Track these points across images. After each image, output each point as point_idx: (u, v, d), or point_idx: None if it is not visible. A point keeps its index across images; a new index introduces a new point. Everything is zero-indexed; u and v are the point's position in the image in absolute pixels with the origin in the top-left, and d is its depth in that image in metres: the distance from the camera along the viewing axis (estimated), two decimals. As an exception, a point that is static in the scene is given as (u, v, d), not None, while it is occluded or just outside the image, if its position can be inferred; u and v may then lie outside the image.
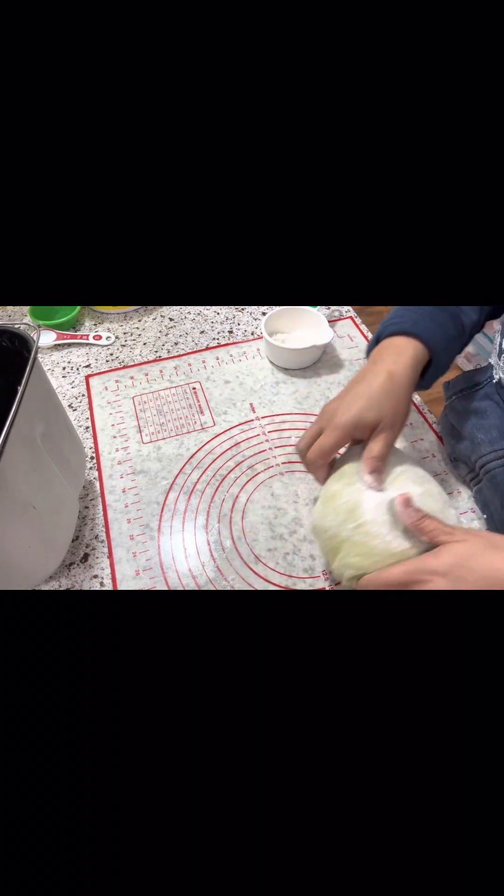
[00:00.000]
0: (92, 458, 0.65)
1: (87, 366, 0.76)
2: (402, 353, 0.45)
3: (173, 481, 0.62)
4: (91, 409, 0.70)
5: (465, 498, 0.61)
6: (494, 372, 0.55)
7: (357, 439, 0.46)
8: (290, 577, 0.54)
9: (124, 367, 0.76)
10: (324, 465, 0.46)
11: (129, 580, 0.54)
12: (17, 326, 0.46)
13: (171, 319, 0.83)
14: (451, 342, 0.47)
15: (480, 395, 0.57)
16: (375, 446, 0.44)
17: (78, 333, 0.80)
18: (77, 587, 0.54)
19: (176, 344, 0.79)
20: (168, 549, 0.56)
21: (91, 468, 0.63)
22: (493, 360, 0.55)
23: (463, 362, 1.84)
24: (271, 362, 0.76)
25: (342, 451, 0.49)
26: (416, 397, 0.72)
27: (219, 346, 0.78)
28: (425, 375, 0.48)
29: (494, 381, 0.55)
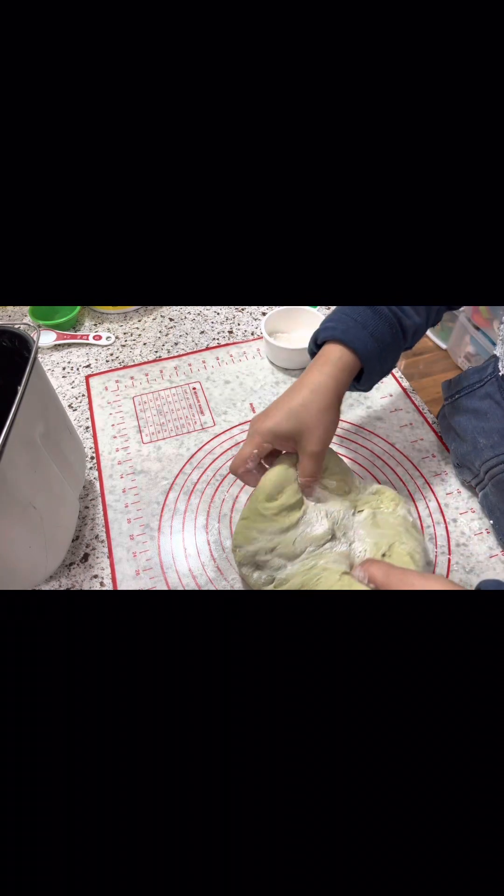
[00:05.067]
0: (92, 458, 0.65)
1: (87, 366, 0.76)
2: (328, 363, 0.46)
3: (173, 481, 0.62)
4: (91, 409, 0.70)
5: (465, 498, 0.61)
6: (500, 365, 0.54)
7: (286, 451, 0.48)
8: (290, 577, 0.54)
9: (124, 367, 0.76)
10: (247, 473, 0.47)
11: (129, 580, 0.54)
12: (17, 326, 0.46)
13: (171, 319, 0.83)
14: (386, 349, 0.47)
15: (481, 395, 0.57)
16: (307, 465, 0.46)
17: (78, 333, 0.80)
18: (77, 587, 0.54)
19: (176, 344, 0.79)
20: (168, 549, 0.56)
21: (91, 468, 0.63)
22: (498, 351, 0.55)
23: (463, 363, 1.84)
24: (271, 362, 0.76)
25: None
26: (417, 398, 0.72)
27: (219, 346, 0.78)
28: (360, 379, 0.48)
29: (501, 373, 0.54)
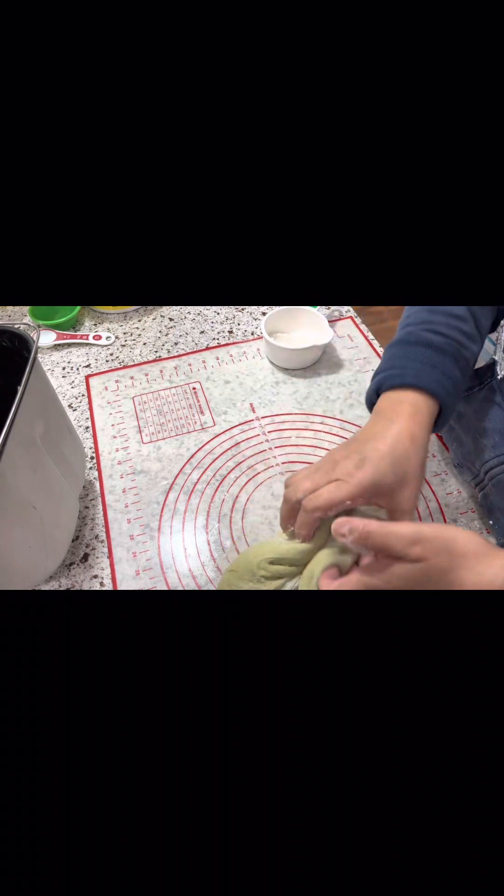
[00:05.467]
0: (92, 458, 0.65)
1: (87, 366, 0.76)
2: (419, 412, 0.41)
3: (173, 481, 0.62)
4: (91, 409, 0.70)
5: (466, 498, 0.61)
6: (499, 367, 0.54)
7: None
8: (290, 577, 0.54)
9: (124, 367, 0.76)
10: (315, 523, 0.39)
11: (129, 580, 0.54)
12: (17, 326, 0.46)
13: (171, 319, 0.83)
14: (459, 386, 0.44)
15: (481, 397, 0.57)
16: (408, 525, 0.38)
17: (78, 333, 0.80)
18: (77, 587, 0.54)
19: (176, 344, 0.79)
20: (168, 549, 0.56)
21: (91, 468, 0.63)
22: (497, 357, 0.55)
23: (463, 362, 1.84)
24: (271, 362, 0.76)
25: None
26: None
27: (219, 346, 0.78)
28: (436, 423, 0.44)
29: (499, 377, 0.54)
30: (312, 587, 0.39)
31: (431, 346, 0.44)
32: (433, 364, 0.43)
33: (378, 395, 0.44)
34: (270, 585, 0.41)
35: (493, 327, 0.54)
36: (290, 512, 0.41)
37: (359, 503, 0.39)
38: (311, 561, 0.40)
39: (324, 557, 0.40)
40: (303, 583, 0.40)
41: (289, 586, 0.41)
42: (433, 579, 0.33)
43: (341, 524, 0.36)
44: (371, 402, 0.45)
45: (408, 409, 0.41)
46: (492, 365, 0.57)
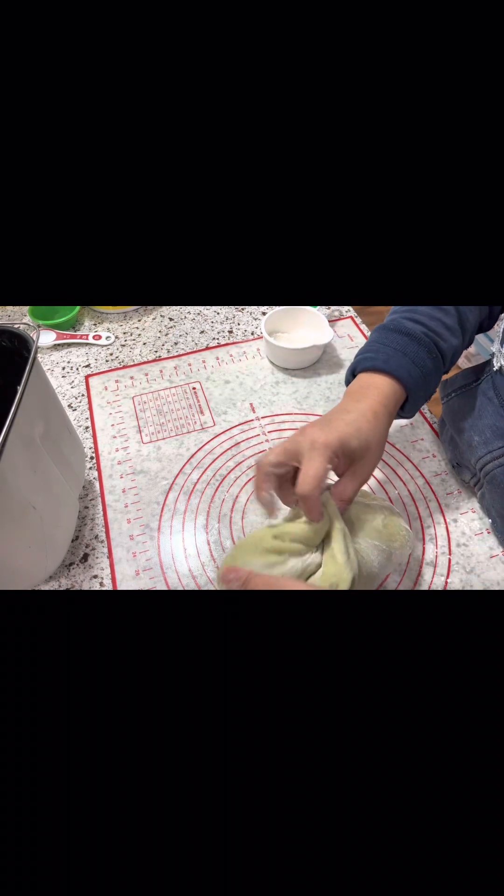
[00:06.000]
0: (92, 458, 0.65)
1: (87, 366, 0.76)
2: (382, 393, 0.44)
3: (173, 481, 0.62)
4: (91, 409, 0.70)
5: (465, 498, 0.61)
6: (496, 360, 0.54)
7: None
8: (290, 577, 0.54)
9: (124, 367, 0.76)
10: (317, 500, 0.40)
11: (128, 580, 0.54)
12: (16, 326, 0.46)
13: (171, 319, 0.83)
14: (429, 376, 0.46)
15: (476, 393, 0.57)
16: (349, 488, 0.43)
17: (78, 333, 0.80)
18: (77, 587, 0.54)
19: (176, 344, 0.79)
20: (168, 549, 0.56)
21: (91, 468, 0.63)
22: (494, 348, 0.55)
23: (463, 362, 1.84)
24: (271, 362, 0.76)
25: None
26: (416, 397, 0.72)
27: (219, 346, 0.78)
28: (405, 408, 0.47)
29: (495, 368, 0.54)
30: (339, 569, 0.41)
31: (408, 335, 0.46)
32: (405, 352, 0.46)
33: (354, 377, 0.48)
34: (276, 559, 0.42)
35: (489, 324, 0.54)
36: (262, 475, 0.43)
37: (333, 464, 0.41)
38: (326, 540, 0.42)
39: (338, 537, 0.42)
40: (327, 565, 0.42)
41: (296, 563, 0.42)
42: None
43: None
44: (348, 383, 0.48)
45: (374, 391, 0.45)
46: (488, 360, 0.57)
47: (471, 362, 1.82)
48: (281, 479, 0.43)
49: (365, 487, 0.60)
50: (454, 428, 0.59)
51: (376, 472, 0.63)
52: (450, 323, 0.48)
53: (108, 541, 0.57)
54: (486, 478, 0.54)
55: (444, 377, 0.63)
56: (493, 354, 0.56)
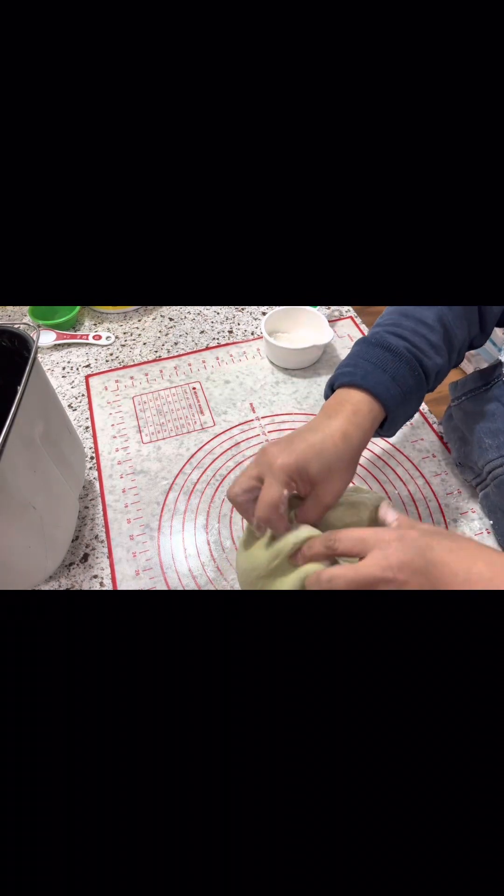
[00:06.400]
0: (92, 458, 0.65)
1: (87, 366, 0.76)
2: (358, 412, 0.42)
3: (173, 481, 0.62)
4: (91, 409, 0.70)
5: (466, 498, 0.61)
6: None
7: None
8: (290, 577, 0.54)
9: (124, 367, 0.76)
10: (281, 519, 0.40)
11: (128, 580, 0.54)
12: (17, 326, 0.46)
13: (171, 319, 0.83)
14: (409, 395, 0.44)
15: (488, 397, 0.57)
16: (311, 513, 0.41)
17: (78, 333, 0.80)
18: (77, 587, 0.54)
19: (176, 344, 0.79)
20: (168, 549, 0.56)
21: (91, 468, 0.63)
22: (503, 357, 0.55)
23: (464, 364, 1.84)
24: (271, 362, 0.76)
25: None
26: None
27: (219, 346, 0.78)
28: (384, 426, 0.45)
29: None
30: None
31: (389, 350, 0.44)
32: (384, 367, 0.43)
33: (333, 391, 0.45)
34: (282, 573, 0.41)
35: (481, 340, 0.51)
36: (240, 508, 0.42)
37: (291, 488, 0.40)
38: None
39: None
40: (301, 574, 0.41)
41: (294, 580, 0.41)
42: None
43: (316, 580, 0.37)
44: (327, 397, 0.46)
45: (349, 408, 0.42)
46: (497, 365, 0.58)
47: (471, 363, 1.81)
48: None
49: (363, 486, 0.60)
50: (465, 428, 0.59)
51: (377, 473, 0.63)
52: (434, 340, 0.45)
53: (108, 541, 0.57)
54: (494, 481, 0.54)
55: (455, 380, 0.63)
56: (501, 363, 0.56)
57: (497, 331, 1.63)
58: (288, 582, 0.41)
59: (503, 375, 0.55)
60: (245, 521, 0.56)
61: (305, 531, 0.41)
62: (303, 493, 0.41)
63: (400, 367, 0.43)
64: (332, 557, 0.39)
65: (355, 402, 0.42)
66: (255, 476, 0.40)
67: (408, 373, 0.43)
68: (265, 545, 0.42)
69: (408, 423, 0.67)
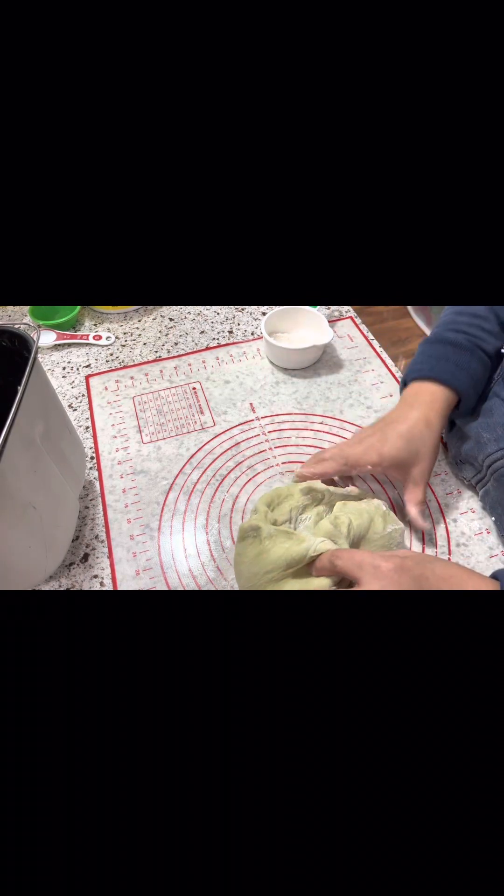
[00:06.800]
0: (92, 458, 0.64)
1: (87, 366, 0.76)
2: (436, 400, 0.51)
3: (173, 481, 0.62)
4: (91, 409, 0.70)
5: (465, 498, 0.61)
6: None
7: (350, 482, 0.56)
8: (290, 577, 0.54)
9: (124, 367, 0.76)
10: (341, 467, 0.51)
11: (129, 580, 0.54)
12: (17, 326, 0.46)
13: (171, 319, 0.83)
14: (478, 380, 0.52)
15: (488, 394, 0.57)
16: (419, 493, 0.51)
17: (78, 333, 0.80)
18: (77, 587, 0.54)
19: (176, 344, 0.79)
20: (168, 549, 0.56)
21: (91, 468, 0.63)
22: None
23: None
24: (271, 362, 0.76)
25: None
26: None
27: (219, 346, 0.78)
28: (459, 407, 0.53)
29: None
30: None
31: (449, 343, 0.53)
32: (447, 358, 0.52)
33: (406, 387, 0.55)
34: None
35: None
36: (326, 464, 0.53)
37: (377, 471, 0.52)
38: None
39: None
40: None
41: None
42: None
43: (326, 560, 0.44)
44: (401, 392, 0.56)
45: (426, 397, 0.51)
46: (500, 363, 0.58)
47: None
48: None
49: (364, 486, 0.60)
50: (463, 425, 0.59)
51: (377, 473, 0.63)
52: (489, 327, 0.54)
53: (109, 541, 0.57)
54: (494, 475, 0.54)
55: None
56: (502, 356, 0.56)
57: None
58: (298, 587, 0.42)
59: (501, 371, 0.56)
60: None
61: (325, 544, 0.43)
62: (397, 478, 0.53)
63: (462, 356, 0.52)
64: (335, 574, 0.41)
65: (431, 392, 0.51)
66: (352, 464, 0.52)
67: (470, 359, 0.52)
68: (282, 548, 0.43)
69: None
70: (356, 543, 0.48)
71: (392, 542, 0.50)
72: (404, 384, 0.55)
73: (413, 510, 0.51)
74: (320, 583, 0.43)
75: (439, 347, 0.53)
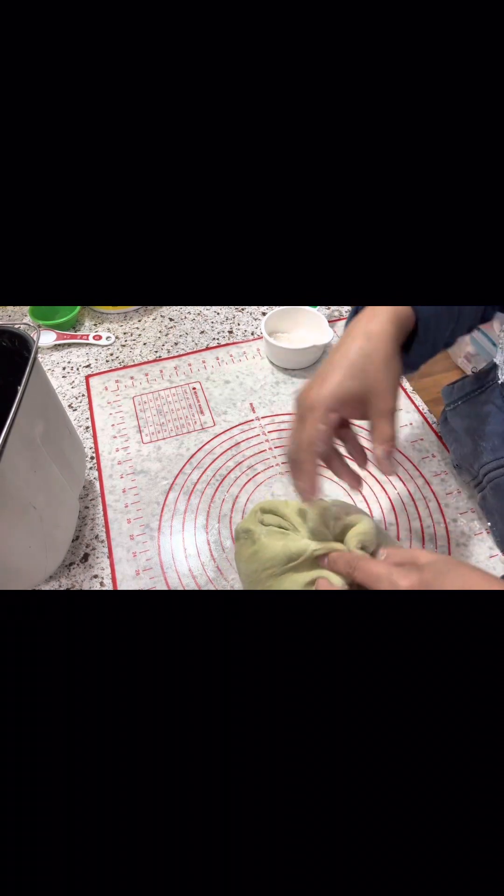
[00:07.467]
0: (92, 458, 0.65)
1: (87, 366, 0.76)
2: (379, 312, 0.38)
3: (173, 481, 0.62)
4: (91, 409, 0.70)
5: (465, 498, 0.61)
6: (500, 372, 0.55)
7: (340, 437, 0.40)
8: (290, 577, 0.54)
9: (124, 367, 0.76)
10: (308, 462, 0.37)
11: (129, 580, 0.54)
12: (17, 326, 0.46)
13: (171, 319, 0.83)
14: (440, 317, 0.40)
15: (482, 400, 0.57)
16: (385, 428, 0.37)
17: (78, 333, 0.80)
18: (77, 587, 0.54)
19: (176, 344, 0.79)
20: (168, 549, 0.56)
21: (91, 468, 0.63)
22: (498, 360, 0.55)
23: (463, 363, 1.84)
24: (271, 362, 0.76)
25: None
26: (417, 398, 0.72)
27: (219, 346, 0.78)
28: (412, 346, 0.40)
29: (500, 381, 0.55)
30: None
31: (432, 305, 0.40)
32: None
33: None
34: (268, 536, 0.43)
35: (490, 313, 0.49)
36: (291, 469, 0.39)
37: (335, 421, 0.37)
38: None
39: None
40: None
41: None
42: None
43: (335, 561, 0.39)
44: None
45: (368, 313, 0.38)
46: (491, 368, 0.58)
47: (471, 363, 1.82)
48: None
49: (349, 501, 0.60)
50: (460, 431, 0.59)
51: (377, 473, 0.63)
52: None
53: (109, 541, 0.57)
54: (490, 484, 0.54)
55: (448, 378, 0.63)
56: (496, 366, 0.56)
57: (494, 331, 1.63)
58: (300, 579, 0.41)
59: (498, 378, 0.55)
60: (242, 518, 0.57)
61: (333, 544, 0.41)
62: (359, 417, 0.39)
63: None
64: (351, 579, 0.39)
65: (374, 310, 0.38)
66: (299, 422, 0.38)
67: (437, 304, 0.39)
68: (279, 545, 0.42)
69: (408, 423, 0.68)
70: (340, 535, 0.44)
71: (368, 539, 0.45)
72: (355, 313, 0.42)
73: (378, 449, 0.38)
74: (336, 580, 0.41)
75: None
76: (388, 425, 0.37)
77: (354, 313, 0.42)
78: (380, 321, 0.37)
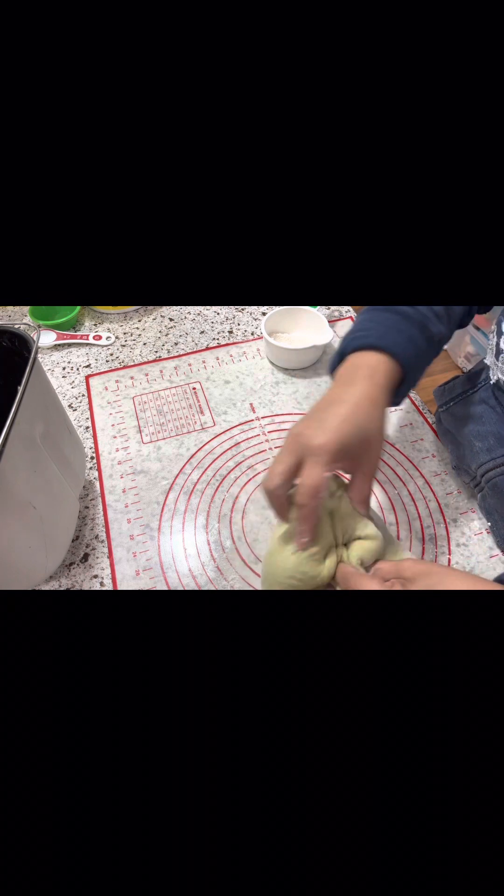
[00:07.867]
0: (92, 458, 0.65)
1: (87, 366, 0.76)
2: (376, 373, 0.40)
3: (173, 481, 0.62)
4: (91, 409, 0.70)
5: (465, 498, 0.61)
6: (492, 373, 0.55)
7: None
8: (290, 577, 0.54)
9: (124, 367, 0.76)
10: (311, 508, 0.37)
11: (129, 580, 0.54)
12: (17, 326, 0.46)
13: (171, 319, 0.83)
14: (421, 357, 0.42)
15: (475, 400, 0.56)
16: (366, 489, 0.40)
17: (78, 333, 0.80)
18: (77, 587, 0.54)
19: (176, 344, 0.79)
20: (168, 549, 0.56)
21: (91, 468, 0.63)
22: (488, 361, 0.55)
23: (463, 363, 1.84)
24: (271, 362, 0.76)
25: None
26: (417, 398, 0.72)
27: (219, 346, 0.78)
28: (397, 393, 0.43)
29: (492, 381, 0.54)
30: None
31: (398, 314, 0.43)
32: (399, 329, 0.42)
33: (342, 361, 0.43)
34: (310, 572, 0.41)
35: (468, 320, 0.51)
36: (278, 502, 0.40)
37: (334, 469, 0.38)
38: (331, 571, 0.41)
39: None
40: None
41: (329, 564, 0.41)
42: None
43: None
44: (334, 368, 0.44)
45: (365, 371, 0.40)
46: (482, 369, 0.58)
47: (470, 362, 1.82)
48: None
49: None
50: (455, 432, 0.59)
51: (377, 473, 0.63)
52: (437, 309, 0.45)
53: (109, 541, 0.57)
54: (488, 484, 0.54)
55: (440, 385, 0.63)
56: (487, 366, 0.56)
57: (489, 322, 1.64)
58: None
59: (490, 378, 0.55)
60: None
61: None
62: (346, 470, 0.40)
63: (412, 329, 0.42)
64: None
65: (372, 365, 0.40)
66: (294, 463, 0.38)
67: (420, 334, 0.42)
68: (312, 556, 0.40)
69: (408, 423, 0.68)
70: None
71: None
72: (341, 356, 0.43)
73: (362, 509, 0.41)
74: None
75: (386, 315, 0.42)
76: (369, 486, 0.40)
77: (339, 358, 0.43)
78: (379, 384, 0.40)
